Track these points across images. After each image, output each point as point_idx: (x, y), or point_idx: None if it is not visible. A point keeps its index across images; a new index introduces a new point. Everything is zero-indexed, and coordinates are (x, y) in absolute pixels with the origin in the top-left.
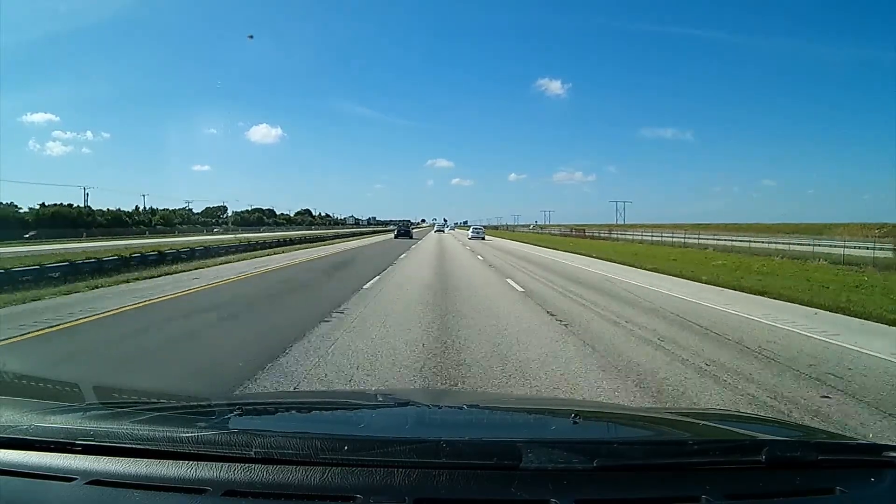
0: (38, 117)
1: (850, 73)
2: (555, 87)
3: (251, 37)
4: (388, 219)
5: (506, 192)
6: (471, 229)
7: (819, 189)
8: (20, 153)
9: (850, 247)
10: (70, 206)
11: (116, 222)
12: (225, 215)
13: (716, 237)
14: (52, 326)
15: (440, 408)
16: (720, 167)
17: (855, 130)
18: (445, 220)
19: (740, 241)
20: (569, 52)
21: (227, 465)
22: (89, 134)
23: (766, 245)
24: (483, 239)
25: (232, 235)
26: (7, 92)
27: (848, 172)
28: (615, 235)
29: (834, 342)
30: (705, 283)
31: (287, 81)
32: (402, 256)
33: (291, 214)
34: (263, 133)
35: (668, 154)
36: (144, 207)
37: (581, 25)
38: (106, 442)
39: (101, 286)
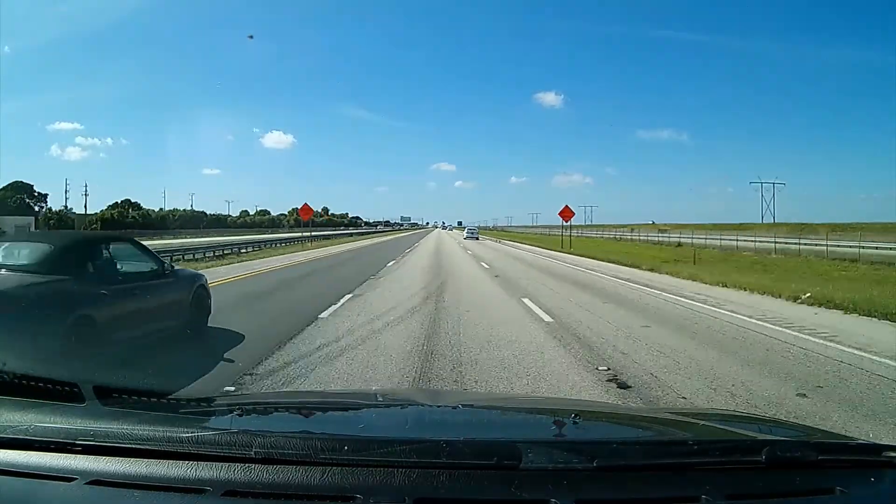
0: (56, 124)
1: (845, 74)
2: (554, 92)
3: (251, 37)
4: (384, 219)
5: (507, 194)
6: (465, 230)
7: (815, 190)
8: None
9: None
10: None
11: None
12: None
13: (753, 238)
14: None
15: (440, 408)
16: (716, 168)
17: (852, 131)
18: (445, 222)
19: (766, 241)
20: (567, 59)
21: (227, 465)
22: (109, 140)
23: (808, 247)
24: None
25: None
26: (27, 97)
27: (844, 173)
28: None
29: None
30: None
31: (295, 88)
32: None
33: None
34: (273, 138)
35: (664, 155)
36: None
37: (578, 31)
38: (106, 442)
39: None
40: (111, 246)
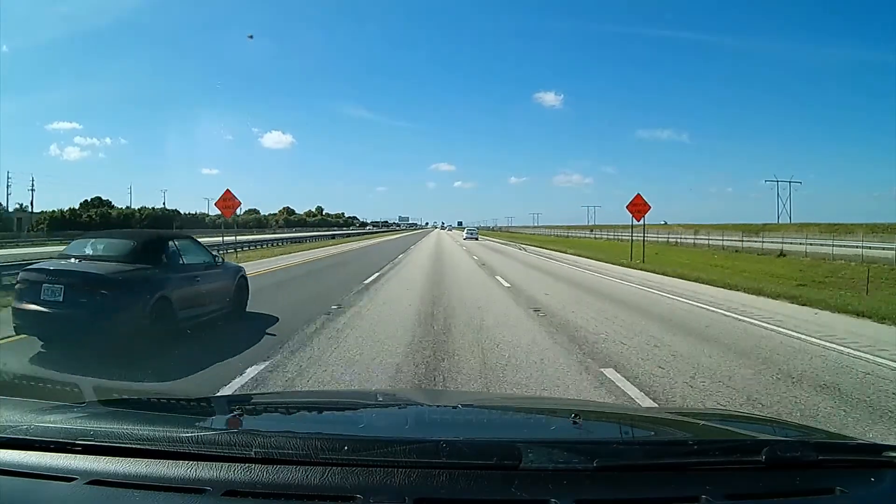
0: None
1: (845, 74)
2: (554, 92)
3: (251, 36)
4: (381, 219)
5: (507, 194)
6: (465, 231)
7: (814, 188)
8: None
9: None
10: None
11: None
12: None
13: (780, 240)
14: None
15: (440, 408)
16: (716, 167)
17: (852, 130)
18: (444, 223)
19: (794, 243)
20: (567, 59)
21: (227, 465)
22: (107, 140)
23: (846, 249)
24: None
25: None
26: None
27: (844, 172)
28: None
29: None
30: None
31: (295, 88)
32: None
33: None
34: (272, 138)
35: (664, 155)
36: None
37: (578, 31)
38: (106, 442)
39: None
40: (177, 242)
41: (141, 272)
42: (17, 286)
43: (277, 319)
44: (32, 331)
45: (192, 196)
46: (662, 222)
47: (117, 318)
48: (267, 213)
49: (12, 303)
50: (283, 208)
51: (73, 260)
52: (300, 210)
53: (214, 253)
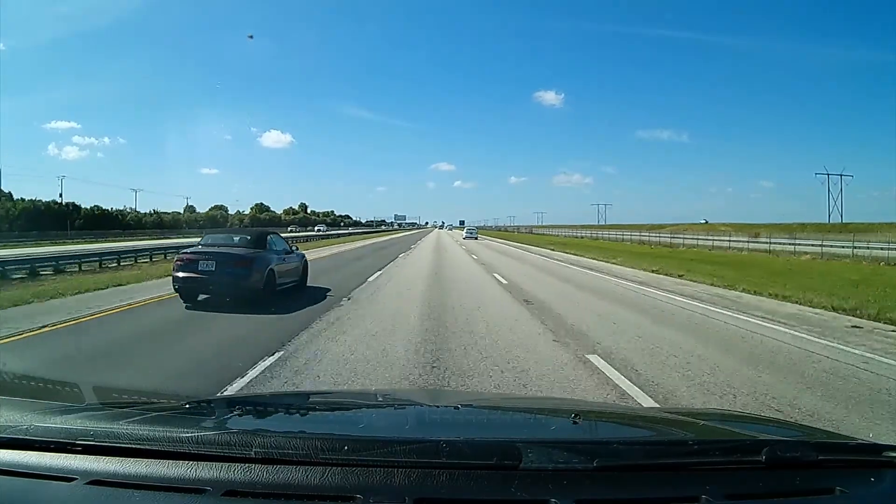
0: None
1: (845, 74)
2: (554, 91)
3: (251, 36)
4: (375, 217)
5: (507, 194)
6: (465, 230)
7: (814, 189)
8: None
9: None
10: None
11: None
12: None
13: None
14: None
15: (440, 408)
16: (716, 168)
17: (851, 129)
18: (444, 222)
19: (824, 245)
20: (567, 58)
21: (227, 465)
22: (106, 139)
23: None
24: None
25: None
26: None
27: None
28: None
29: None
30: None
31: (294, 87)
32: None
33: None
34: (272, 137)
35: (664, 155)
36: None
37: (578, 31)
38: (106, 442)
39: None
40: (271, 236)
41: (259, 253)
42: (175, 262)
43: None
44: (189, 287)
45: (184, 196)
46: (703, 221)
47: (248, 282)
48: (234, 212)
49: (172, 272)
50: (255, 205)
51: (215, 246)
52: (278, 208)
53: (291, 244)
